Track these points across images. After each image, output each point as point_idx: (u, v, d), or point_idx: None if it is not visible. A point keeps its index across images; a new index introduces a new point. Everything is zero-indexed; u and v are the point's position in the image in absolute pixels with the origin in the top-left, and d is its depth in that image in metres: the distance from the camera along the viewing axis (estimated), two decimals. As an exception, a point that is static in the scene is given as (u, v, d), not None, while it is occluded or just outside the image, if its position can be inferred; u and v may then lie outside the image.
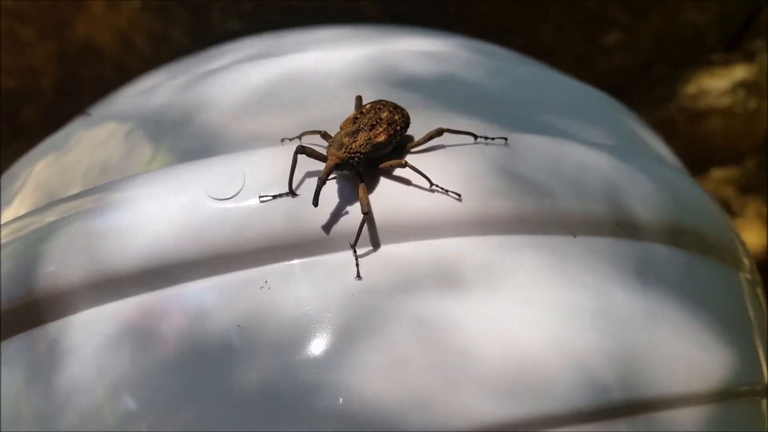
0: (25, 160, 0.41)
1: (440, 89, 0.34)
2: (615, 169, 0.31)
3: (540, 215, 0.28)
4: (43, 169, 0.37)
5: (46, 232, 0.29)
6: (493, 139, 0.29)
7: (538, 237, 0.28)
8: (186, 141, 0.32)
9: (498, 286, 0.26)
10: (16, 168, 0.41)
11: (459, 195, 0.27)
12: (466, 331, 0.26)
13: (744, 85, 0.63)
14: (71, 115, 0.46)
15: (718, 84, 0.63)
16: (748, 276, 0.35)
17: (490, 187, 0.28)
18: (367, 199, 0.27)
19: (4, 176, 0.41)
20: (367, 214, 0.26)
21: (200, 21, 0.57)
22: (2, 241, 0.30)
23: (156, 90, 0.37)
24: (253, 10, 0.56)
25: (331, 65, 0.35)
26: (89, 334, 0.27)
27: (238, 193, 0.27)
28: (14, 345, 0.28)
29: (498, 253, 0.27)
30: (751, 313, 0.33)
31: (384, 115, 0.29)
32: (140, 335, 0.26)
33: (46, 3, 0.54)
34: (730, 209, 0.68)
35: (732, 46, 0.64)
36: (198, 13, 0.56)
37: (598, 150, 0.31)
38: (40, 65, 0.58)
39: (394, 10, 0.57)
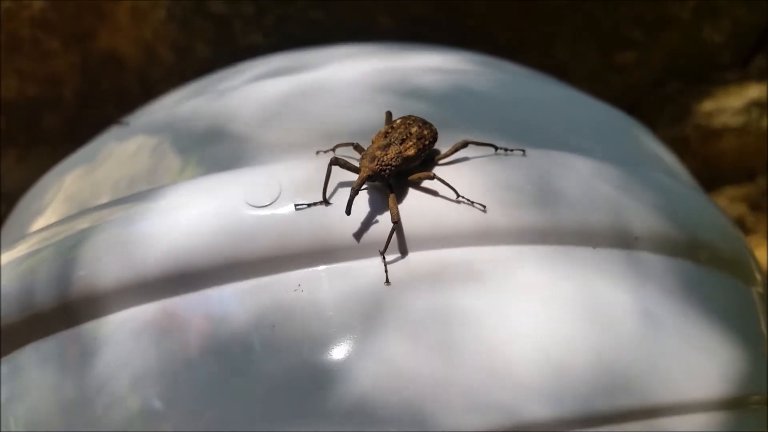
0: (55, 171, 0.41)
1: (458, 104, 0.35)
2: (630, 184, 0.32)
3: (558, 227, 0.29)
4: (73, 181, 0.38)
5: (79, 239, 0.29)
6: (512, 150, 0.31)
7: (557, 247, 0.29)
8: (213, 154, 0.33)
9: (519, 294, 0.27)
10: (46, 179, 0.41)
11: (484, 206, 0.28)
12: (487, 336, 0.26)
13: (757, 104, 0.63)
14: (93, 123, 0.47)
15: (732, 102, 0.63)
16: (760, 290, 0.36)
17: (512, 200, 0.29)
18: (397, 209, 0.27)
19: (36, 186, 0.42)
20: (397, 223, 0.27)
21: (223, 34, 0.57)
22: (35, 247, 0.30)
23: (184, 105, 0.38)
24: (274, 24, 0.57)
25: (352, 81, 0.36)
26: (123, 334, 0.28)
27: (274, 201, 0.28)
28: (46, 345, 0.29)
29: (520, 262, 0.28)
30: (763, 325, 0.34)
31: (414, 130, 0.30)
32: (178, 335, 0.27)
33: (71, 13, 0.55)
34: (743, 226, 0.68)
35: (745, 64, 0.64)
36: (221, 26, 0.57)
37: (613, 165, 0.32)
38: (63, 74, 0.58)
39: (410, 26, 0.58)
